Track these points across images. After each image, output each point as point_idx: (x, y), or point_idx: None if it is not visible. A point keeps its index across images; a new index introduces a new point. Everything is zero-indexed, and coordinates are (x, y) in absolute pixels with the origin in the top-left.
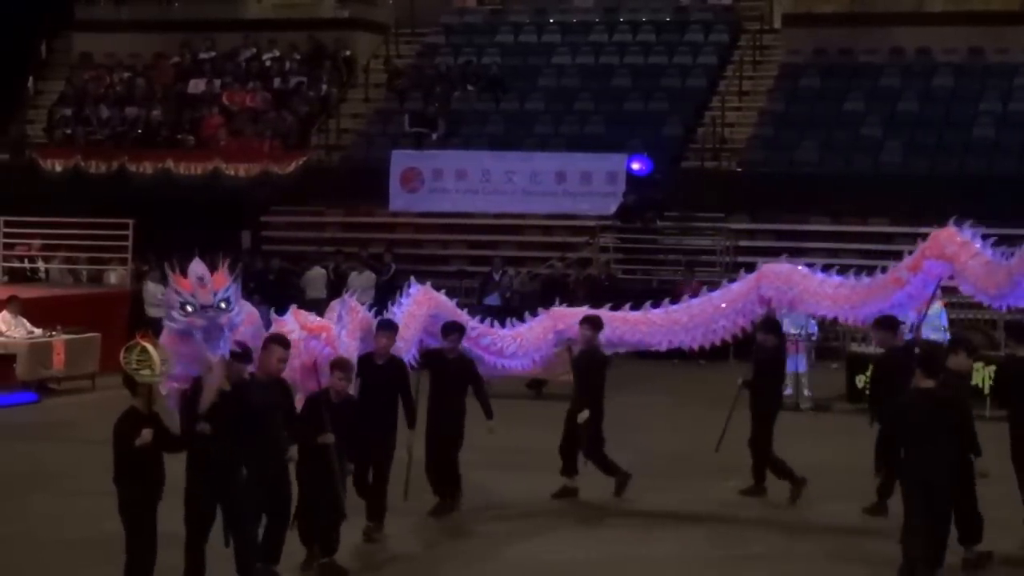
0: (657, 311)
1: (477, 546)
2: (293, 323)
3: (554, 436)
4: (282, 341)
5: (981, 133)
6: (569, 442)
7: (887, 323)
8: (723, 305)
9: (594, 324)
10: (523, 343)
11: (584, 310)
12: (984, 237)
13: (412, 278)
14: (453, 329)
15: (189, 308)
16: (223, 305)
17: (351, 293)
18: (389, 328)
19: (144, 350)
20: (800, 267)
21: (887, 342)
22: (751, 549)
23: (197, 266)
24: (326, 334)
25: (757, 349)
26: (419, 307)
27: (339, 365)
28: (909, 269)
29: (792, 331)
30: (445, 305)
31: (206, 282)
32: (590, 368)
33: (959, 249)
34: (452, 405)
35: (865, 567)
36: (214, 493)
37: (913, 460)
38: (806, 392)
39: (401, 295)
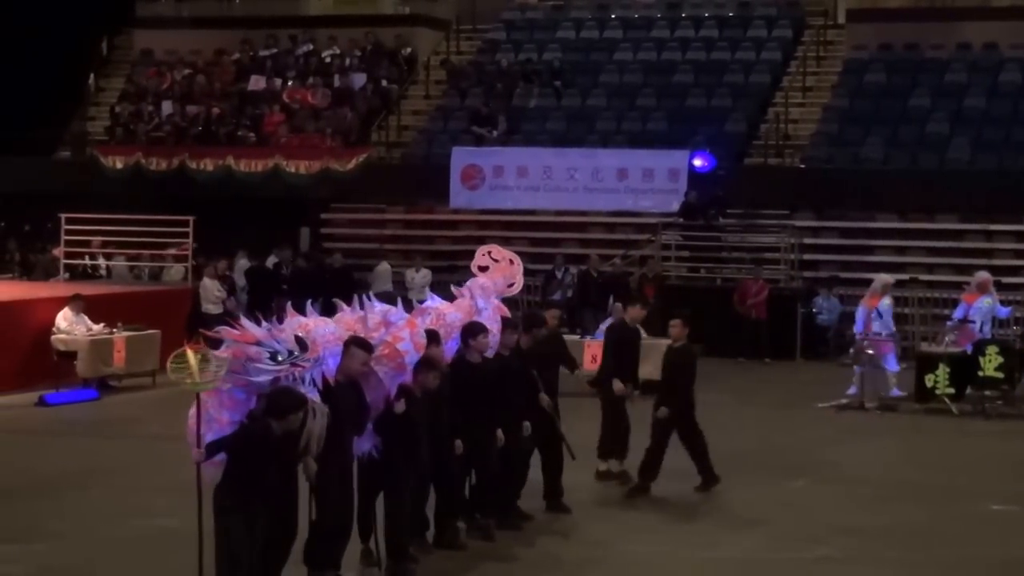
0: None
1: (539, 543)
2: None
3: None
4: (364, 345)
5: None
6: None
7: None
8: None
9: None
10: None
11: None
12: None
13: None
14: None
15: (280, 358)
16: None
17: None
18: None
19: (186, 357)
20: None
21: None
22: (817, 551)
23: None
24: (396, 360)
25: None
26: None
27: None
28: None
29: (883, 332)
30: None
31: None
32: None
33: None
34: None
35: (936, 571)
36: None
37: None
38: (895, 392)
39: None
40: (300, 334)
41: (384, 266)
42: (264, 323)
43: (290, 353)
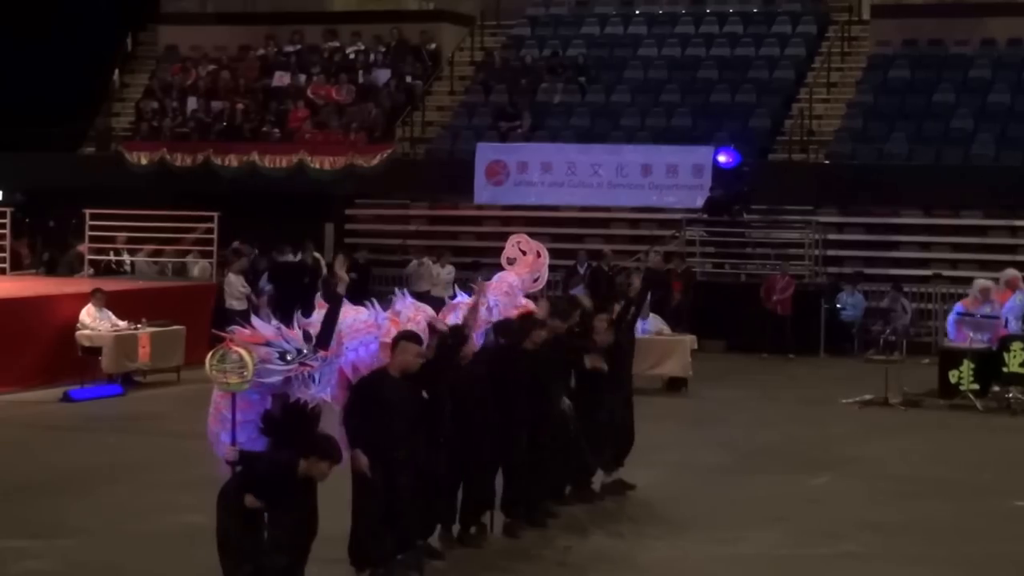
0: None
1: (563, 541)
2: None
3: (646, 431)
4: (414, 337)
5: None
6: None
7: None
8: None
9: None
10: None
11: None
12: None
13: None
14: None
15: (289, 357)
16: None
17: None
18: None
19: (241, 357)
20: None
21: None
22: (840, 547)
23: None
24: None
25: None
26: None
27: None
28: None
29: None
30: None
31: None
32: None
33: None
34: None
35: (960, 567)
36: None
37: None
38: None
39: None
40: (309, 330)
41: (428, 264)
42: (273, 321)
43: (299, 352)
